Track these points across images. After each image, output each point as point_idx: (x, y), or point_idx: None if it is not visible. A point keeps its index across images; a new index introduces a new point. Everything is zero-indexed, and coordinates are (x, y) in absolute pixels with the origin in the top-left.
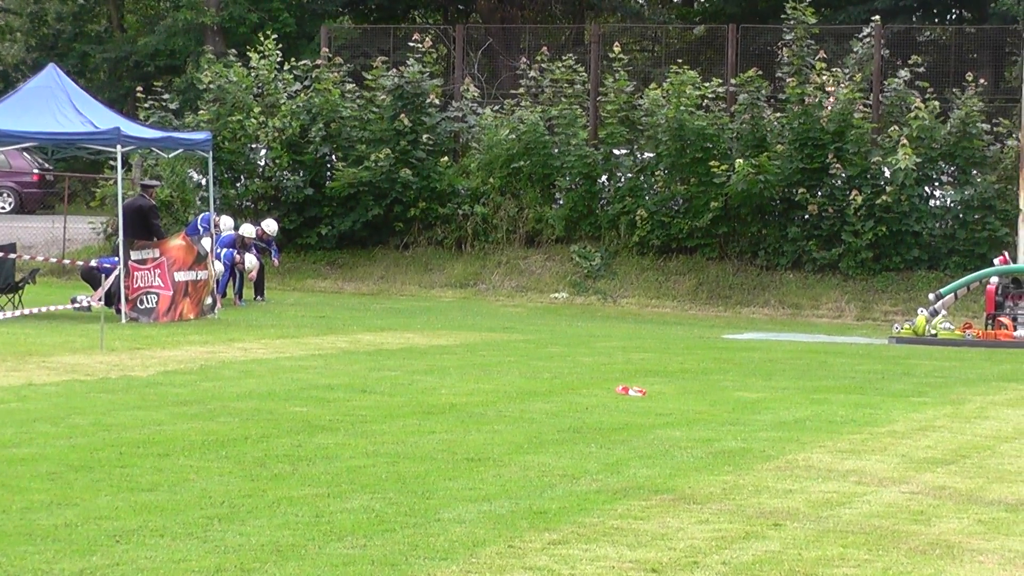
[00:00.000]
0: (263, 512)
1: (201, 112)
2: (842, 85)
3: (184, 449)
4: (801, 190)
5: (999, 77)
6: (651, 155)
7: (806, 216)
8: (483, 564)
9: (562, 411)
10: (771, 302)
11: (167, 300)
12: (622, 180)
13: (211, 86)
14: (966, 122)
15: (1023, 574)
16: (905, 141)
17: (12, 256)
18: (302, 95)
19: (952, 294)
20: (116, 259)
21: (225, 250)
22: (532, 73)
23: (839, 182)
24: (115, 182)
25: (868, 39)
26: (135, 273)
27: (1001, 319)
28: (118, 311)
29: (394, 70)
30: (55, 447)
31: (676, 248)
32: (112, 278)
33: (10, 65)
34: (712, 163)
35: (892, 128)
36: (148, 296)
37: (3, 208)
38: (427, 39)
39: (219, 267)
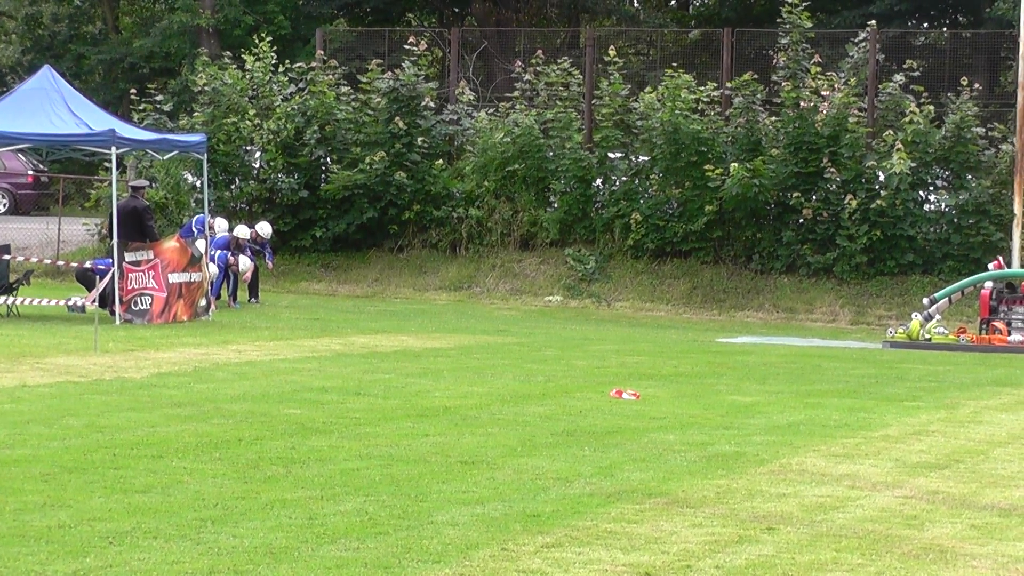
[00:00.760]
0: (256, 514)
1: (196, 114)
2: (837, 89)
3: (178, 451)
4: (796, 194)
5: (994, 82)
6: (646, 159)
7: (800, 220)
8: (476, 567)
9: (556, 414)
10: (765, 306)
11: (161, 302)
12: (617, 183)
13: (206, 88)
14: (961, 127)
15: None
16: (900, 145)
17: (6, 257)
18: (297, 98)
19: (946, 299)
20: (111, 261)
21: (219, 252)
22: (527, 76)
23: (834, 186)
24: (109, 184)
25: (863, 43)
26: (129, 275)
27: (995, 324)
28: (112, 312)
29: (389, 73)
30: (48, 448)
31: (670, 252)
32: (107, 279)
33: (5, 67)
34: (707, 167)
35: (887, 132)
36: (142, 298)
37: None
38: (422, 42)
39: (213, 269)
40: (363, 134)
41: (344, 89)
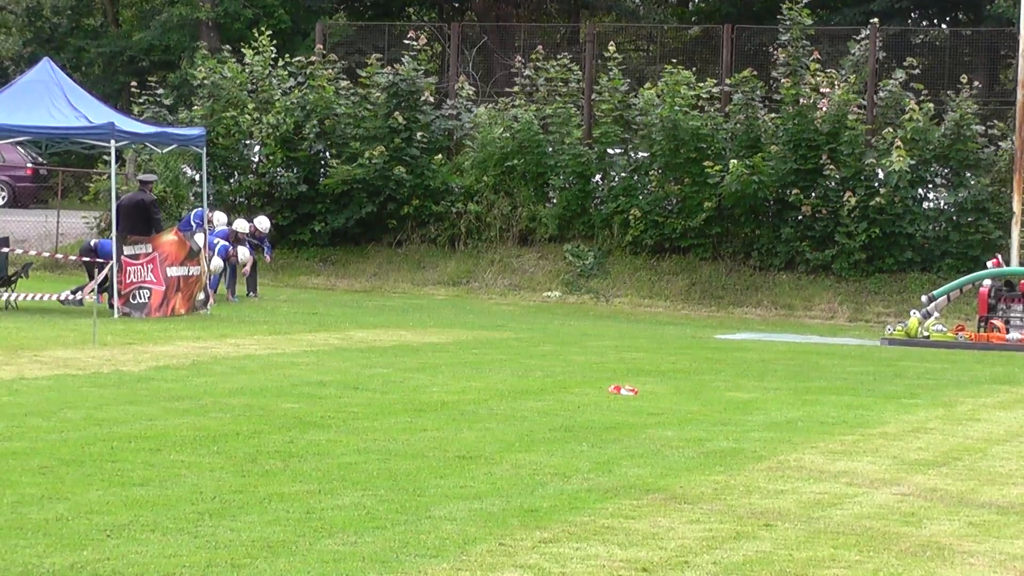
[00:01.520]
0: (254, 508)
1: (195, 108)
2: (837, 86)
3: (175, 444)
4: (795, 191)
5: (994, 79)
6: (645, 155)
7: (799, 217)
8: (474, 562)
9: (554, 410)
10: (764, 303)
11: (159, 295)
12: (616, 179)
13: (205, 82)
14: (960, 124)
15: None
16: (899, 143)
17: (5, 250)
18: (296, 92)
19: (945, 296)
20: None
21: (221, 242)
22: (527, 71)
23: (833, 183)
24: (109, 177)
25: (864, 40)
26: (128, 268)
27: (994, 322)
28: (111, 306)
29: (389, 67)
30: (46, 441)
31: (669, 248)
32: (105, 271)
33: (5, 59)
34: (706, 163)
35: (886, 130)
36: (140, 291)
37: None
38: (422, 37)
39: (217, 262)
40: (362, 129)
41: (344, 83)
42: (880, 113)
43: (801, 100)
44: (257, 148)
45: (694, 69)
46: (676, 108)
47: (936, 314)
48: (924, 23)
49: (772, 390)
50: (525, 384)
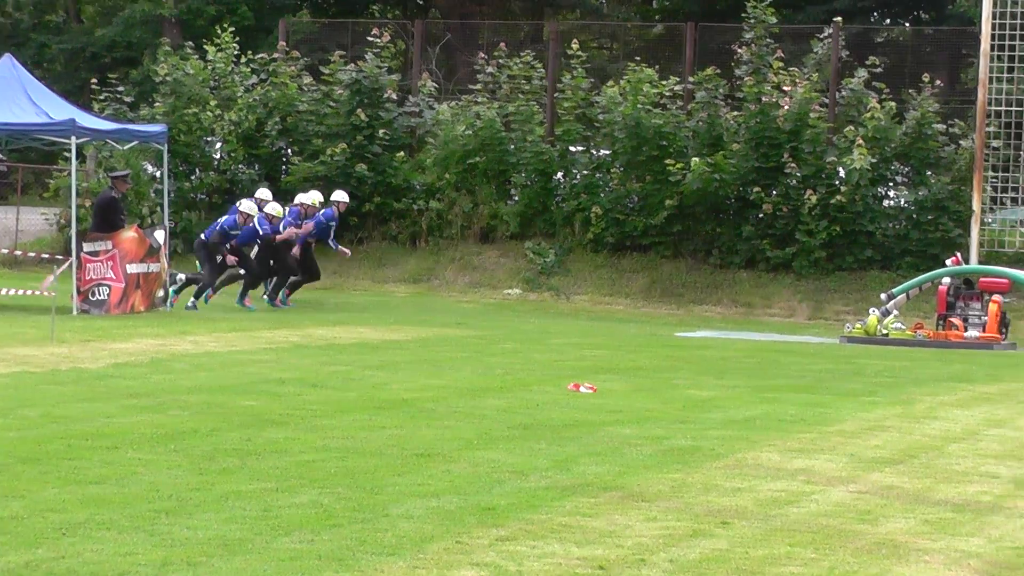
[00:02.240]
0: (211, 506)
1: (157, 104)
2: (799, 85)
3: (133, 442)
4: (756, 189)
5: (955, 78)
6: (607, 152)
7: (760, 215)
8: (430, 560)
9: (513, 407)
10: (724, 300)
11: (119, 292)
12: (578, 177)
13: (167, 79)
14: (921, 123)
15: (967, 574)
16: (860, 141)
17: None
18: (259, 89)
19: (904, 294)
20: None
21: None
22: (490, 69)
23: (794, 181)
24: (69, 174)
25: (828, 39)
26: (87, 265)
27: (952, 320)
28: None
29: (352, 65)
30: (3, 439)
31: (630, 246)
32: (64, 267)
33: None
34: (668, 161)
35: (848, 128)
36: (100, 288)
37: None
38: (386, 34)
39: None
40: (324, 126)
41: (306, 80)
42: (842, 112)
43: (763, 98)
44: (219, 145)
45: (657, 67)
46: (639, 106)
47: (895, 312)
48: (887, 22)
49: (731, 388)
50: (485, 382)
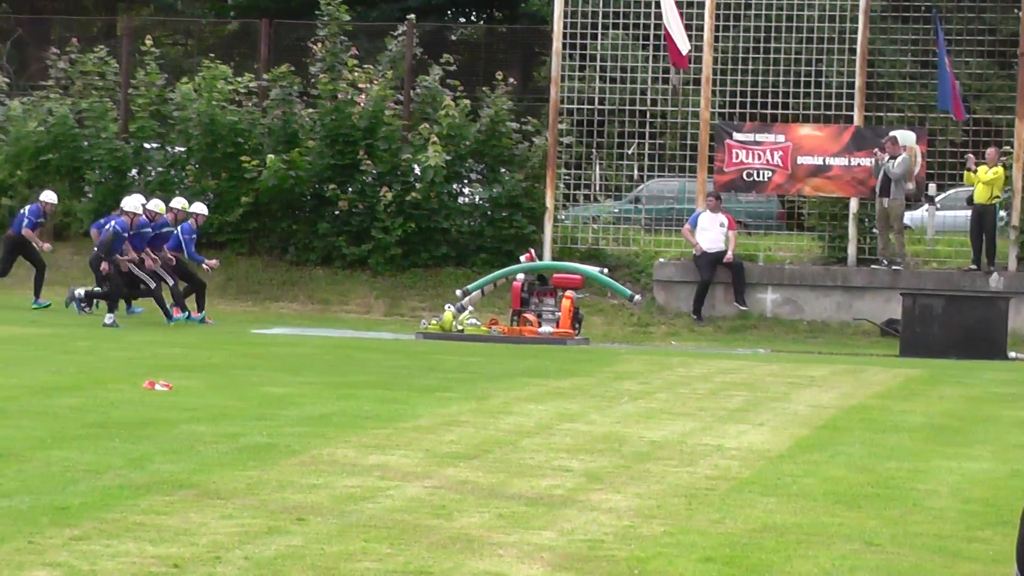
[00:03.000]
0: None
1: None
2: (374, 82)
3: None
4: (332, 186)
5: (528, 77)
6: (182, 149)
7: (336, 212)
8: (2, 561)
9: (87, 406)
10: (300, 297)
11: None
12: (153, 174)
13: None
14: (495, 121)
15: (540, 567)
16: (435, 139)
17: None
18: None
19: (479, 290)
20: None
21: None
22: (62, 64)
23: (370, 178)
24: None
25: (401, 37)
26: None
27: (526, 315)
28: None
29: None
30: None
31: (206, 243)
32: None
33: None
34: (243, 158)
35: (423, 126)
36: None
37: None
38: None
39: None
40: None
41: None
42: (417, 109)
43: (339, 95)
44: None
45: (232, 64)
46: (213, 103)
47: (470, 308)
48: (461, 20)
49: (308, 384)
50: (58, 380)
